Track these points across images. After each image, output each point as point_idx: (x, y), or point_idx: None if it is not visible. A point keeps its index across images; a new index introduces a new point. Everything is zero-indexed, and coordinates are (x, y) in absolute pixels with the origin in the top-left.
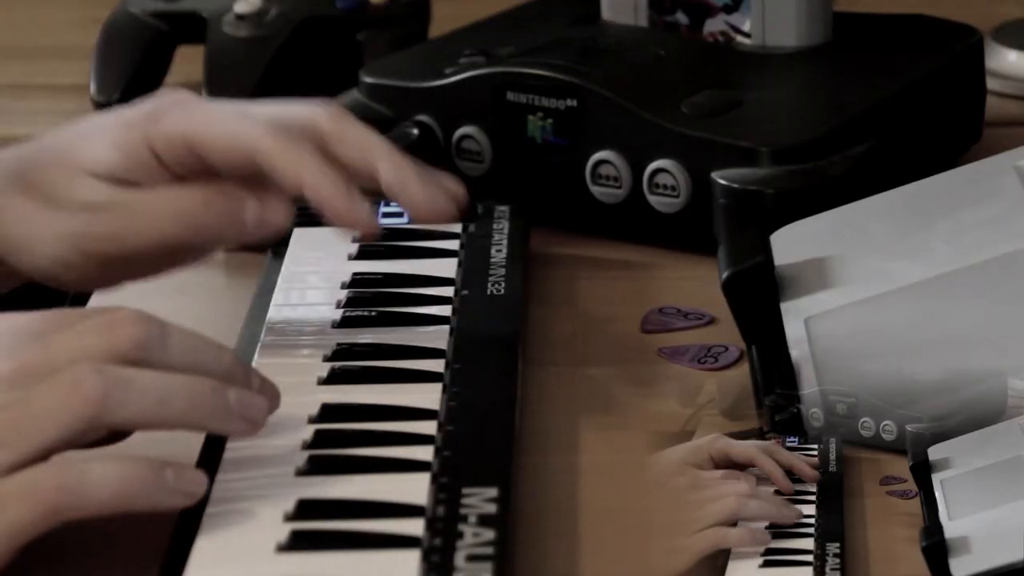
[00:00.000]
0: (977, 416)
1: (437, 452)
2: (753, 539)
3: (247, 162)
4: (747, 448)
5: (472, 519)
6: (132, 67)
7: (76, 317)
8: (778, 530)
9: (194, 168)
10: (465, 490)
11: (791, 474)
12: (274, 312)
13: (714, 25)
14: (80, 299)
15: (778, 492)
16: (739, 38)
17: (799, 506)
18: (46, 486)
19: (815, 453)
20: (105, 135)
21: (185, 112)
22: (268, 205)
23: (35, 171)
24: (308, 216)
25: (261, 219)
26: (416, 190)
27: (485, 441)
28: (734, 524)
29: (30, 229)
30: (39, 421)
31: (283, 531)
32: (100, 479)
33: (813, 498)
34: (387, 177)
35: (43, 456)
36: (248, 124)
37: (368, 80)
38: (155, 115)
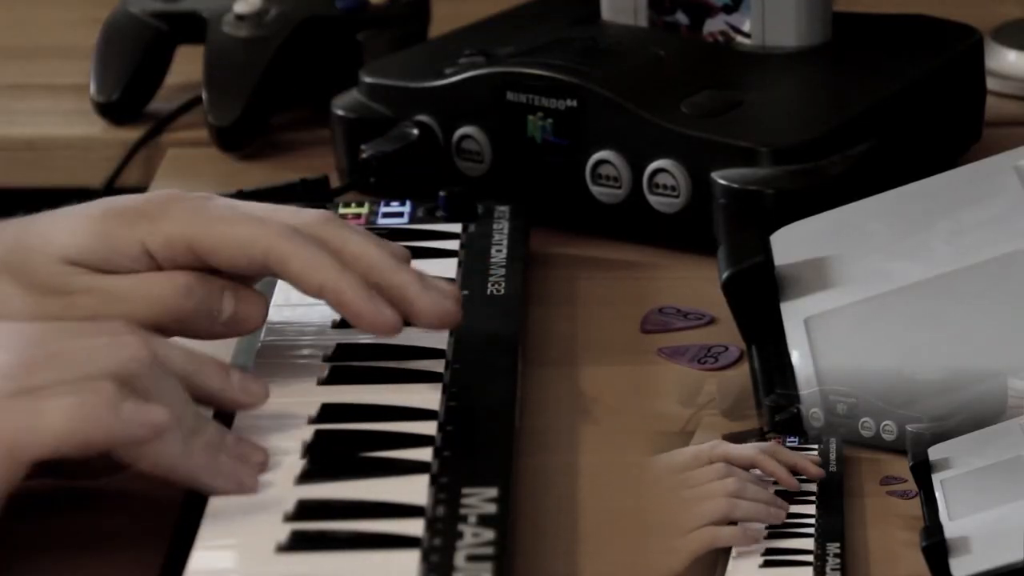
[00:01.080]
0: (977, 416)
1: (437, 452)
2: (746, 537)
3: (256, 265)
4: (748, 452)
5: (472, 519)
6: (132, 67)
7: (79, 328)
8: (778, 530)
9: (187, 266)
10: (465, 490)
11: (796, 474)
12: (274, 312)
13: (714, 25)
14: None
15: (780, 491)
16: (739, 38)
17: (799, 506)
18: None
19: (815, 453)
20: (92, 225)
21: (187, 212)
22: (245, 299)
23: (18, 253)
24: None
25: (236, 313)
26: (422, 304)
27: (485, 441)
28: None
29: (10, 311)
30: (93, 351)
31: (283, 531)
32: (53, 410)
33: (813, 498)
34: (391, 294)
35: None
36: (258, 227)
37: (368, 80)
38: (152, 214)
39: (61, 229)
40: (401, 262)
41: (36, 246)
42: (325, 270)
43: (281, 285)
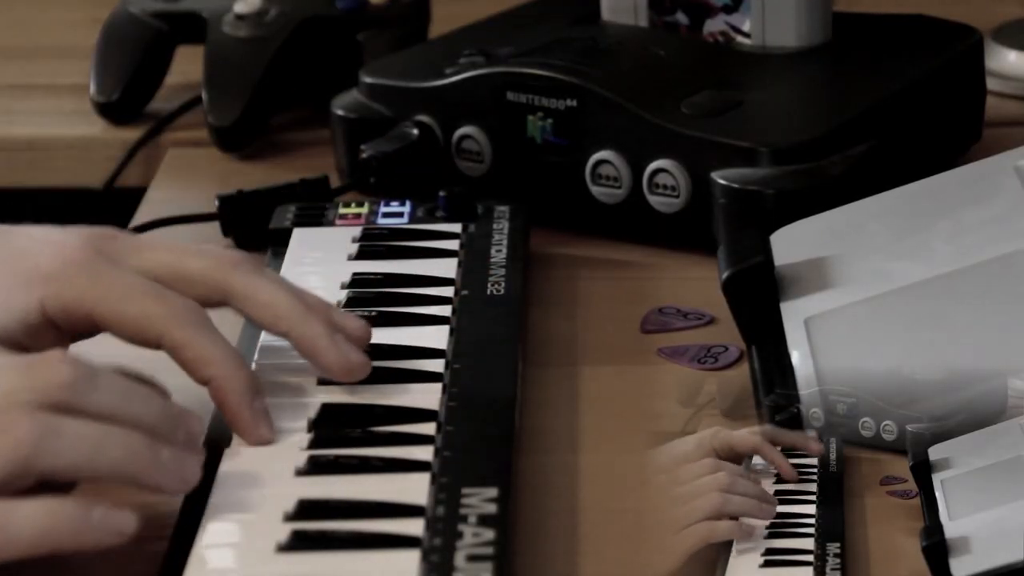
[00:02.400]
0: (977, 416)
1: (437, 452)
2: (743, 532)
3: (152, 346)
4: (750, 437)
5: (472, 519)
6: (132, 67)
7: (4, 360)
8: (778, 530)
9: (91, 334)
10: (465, 490)
11: (798, 456)
12: None
13: (714, 25)
14: None
15: (780, 480)
16: (739, 38)
17: (799, 506)
18: None
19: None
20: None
21: (84, 281)
22: (185, 462)
23: None
24: (308, 216)
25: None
26: (328, 359)
27: (485, 441)
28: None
29: None
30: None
31: (283, 531)
32: (24, 519)
33: (813, 498)
34: (299, 345)
35: None
36: (153, 307)
37: (368, 80)
38: (46, 278)
39: None
40: (312, 311)
41: None
42: (215, 366)
43: None
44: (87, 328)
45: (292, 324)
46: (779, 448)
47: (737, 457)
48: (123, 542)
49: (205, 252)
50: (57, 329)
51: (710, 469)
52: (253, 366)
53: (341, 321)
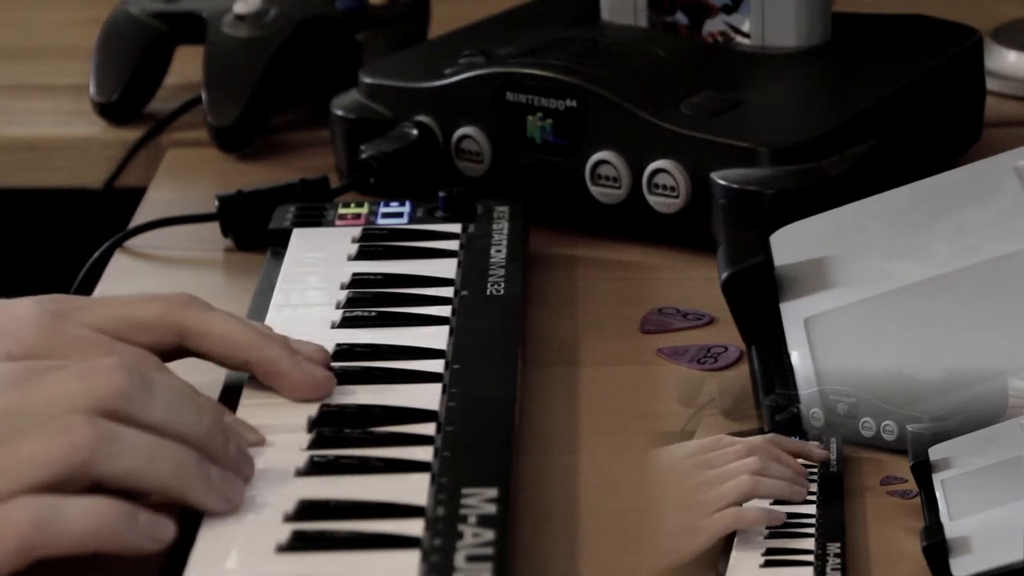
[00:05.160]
0: (977, 416)
1: (437, 452)
2: (770, 517)
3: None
4: (752, 441)
5: (472, 519)
6: (132, 67)
7: (58, 365)
8: (779, 530)
9: None
10: (465, 490)
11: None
12: (274, 312)
13: (714, 25)
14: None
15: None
16: (739, 38)
17: (799, 506)
18: (19, 519)
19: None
20: None
21: (37, 335)
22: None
23: None
24: (307, 217)
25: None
26: (294, 376)
27: (485, 441)
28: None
29: None
30: (24, 465)
31: (283, 531)
32: (75, 516)
33: (814, 498)
34: (262, 370)
35: None
36: (104, 359)
37: (368, 80)
38: (4, 335)
39: None
40: (268, 337)
41: None
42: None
43: (281, 285)
44: None
45: (250, 351)
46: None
47: None
48: (161, 549)
49: (154, 298)
50: None
51: (741, 454)
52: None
53: (297, 346)
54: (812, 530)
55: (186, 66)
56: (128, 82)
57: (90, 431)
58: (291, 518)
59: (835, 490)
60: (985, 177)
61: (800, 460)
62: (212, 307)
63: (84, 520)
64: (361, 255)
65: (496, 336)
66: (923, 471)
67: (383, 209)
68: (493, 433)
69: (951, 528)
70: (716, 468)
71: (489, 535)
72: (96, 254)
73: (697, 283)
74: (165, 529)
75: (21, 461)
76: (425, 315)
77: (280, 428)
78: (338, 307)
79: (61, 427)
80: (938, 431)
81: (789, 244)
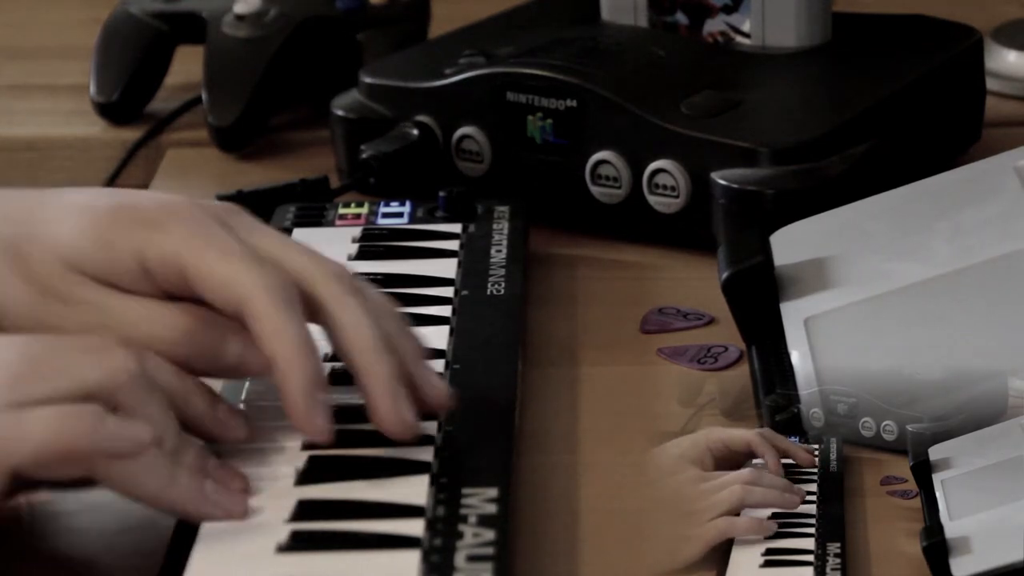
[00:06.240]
0: (977, 416)
1: (437, 452)
2: (761, 528)
3: (231, 311)
4: (744, 435)
5: (472, 519)
6: (132, 67)
7: (68, 343)
8: (779, 530)
9: (182, 292)
10: (465, 490)
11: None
12: None
13: (714, 25)
14: None
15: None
16: (739, 38)
17: (800, 506)
18: None
19: (816, 453)
20: (95, 227)
21: (186, 232)
22: (251, 347)
23: (23, 239)
24: (308, 216)
25: (241, 362)
26: (378, 404)
27: (485, 441)
28: (738, 514)
29: (6, 303)
30: (80, 366)
31: (283, 532)
32: (37, 421)
33: (814, 498)
34: (356, 377)
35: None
36: (246, 273)
37: (368, 80)
38: (154, 223)
39: (66, 224)
40: (388, 353)
41: (40, 237)
42: (283, 347)
43: None
44: (178, 285)
45: (361, 357)
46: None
47: (733, 455)
48: (135, 451)
49: (312, 255)
50: (150, 280)
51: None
52: (241, 404)
53: (423, 376)
54: (812, 530)
55: (186, 66)
56: (128, 82)
57: (128, 356)
58: (291, 518)
59: (835, 490)
60: (985, 177)
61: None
62: (359, 290)
63: (44, 424)
64: (361, 255)
65: (496, 336)
66: (923, 471)
67: (383, 209)
68: (493, 433)
69: (951, 528)
70: (709, 479)
71: (489, 535)
72: None
73: (697, 283)
74: (138, 429)
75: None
76: (425, 315)
77: (281, 427)
78: None
79: (100, 343)
80: (938, 431)
81: (789, 244)
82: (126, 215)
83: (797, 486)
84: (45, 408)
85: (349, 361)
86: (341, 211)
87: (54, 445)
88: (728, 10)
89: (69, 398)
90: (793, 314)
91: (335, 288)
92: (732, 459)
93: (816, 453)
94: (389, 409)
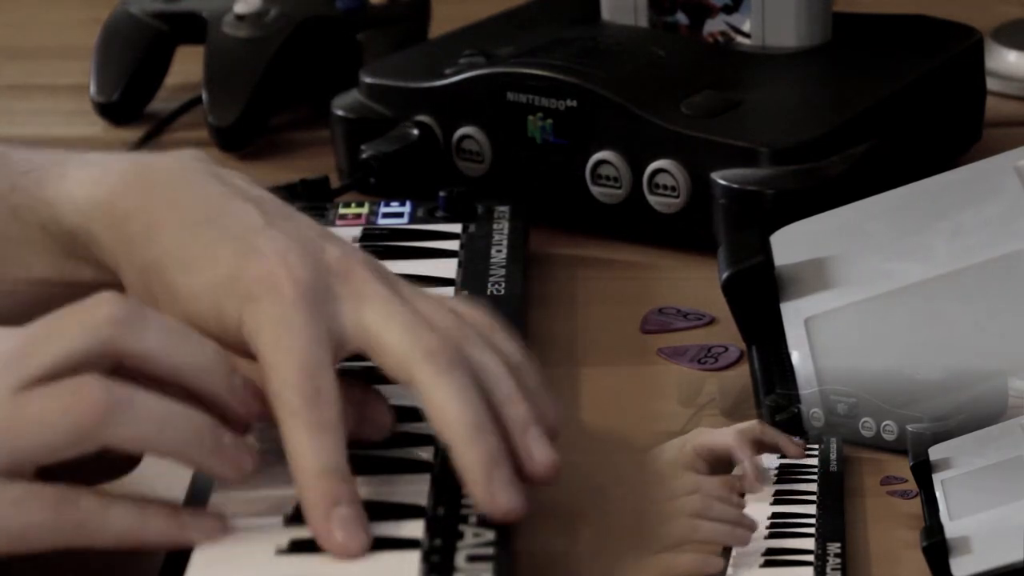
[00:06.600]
0: (978, 416)
1: (437, 452)
2: (706, 567)
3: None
4: (725, 439)
5: (472, 519)
6: (132, 67)
7: (59, 312)
8: (778, 530)
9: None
10: (465, 490)
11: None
12: None
13: (714, 25)
14: None
15: (780, 479)
16: (739, 38)
17: (799, 506)
18: (94, 394)
19: (815, 453)
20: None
21: (266, 321)
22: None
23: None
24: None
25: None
26: (475, 489)
27: None
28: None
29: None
30: (34, 425)
31: (283, 533)
32: (143, 404)
33: (814, 498)
34: (454, 461)
35: (31, 465)
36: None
37: (368, 80)
38: (250, 299)
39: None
40: (484, 432)
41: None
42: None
43: None
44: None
45: (455, 442)
46: (766, 448)
47: (719, 459)
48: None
49: (431, 326)
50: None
51: (687, 490)
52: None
53: (525, 448)
54: (812, 530)
55: (186, 66)
56: (128, 82)
57: (102, 393)
58: (291, 519)
59: (835, 490)
60: (985, 177)
61: (797, 462)
62: (457, 365)
63: (151, 420)
64: None
65: None
66: (923, 471)
67: (383, 209)
68: None
69: (951, 528)
70: (659, 505)
71: (489, 535)
72: None
73: (697, 283)
74: (217, 524)
75: (31, 422)
76: None
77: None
78: None
79: (73, 387)
80: (938, 431)
81: (789, 244)
82: (223, 281)
83: (749, 518)
84: (44, 391)
85: (443, 439)
86: (341, 211)
87: (61, 430)
88: (728, 10)
89: (66, 368)
90: (793, 314)
91: (429, 367)
92: (722, 461)
93: (817, 450)
94: (482, 496)
